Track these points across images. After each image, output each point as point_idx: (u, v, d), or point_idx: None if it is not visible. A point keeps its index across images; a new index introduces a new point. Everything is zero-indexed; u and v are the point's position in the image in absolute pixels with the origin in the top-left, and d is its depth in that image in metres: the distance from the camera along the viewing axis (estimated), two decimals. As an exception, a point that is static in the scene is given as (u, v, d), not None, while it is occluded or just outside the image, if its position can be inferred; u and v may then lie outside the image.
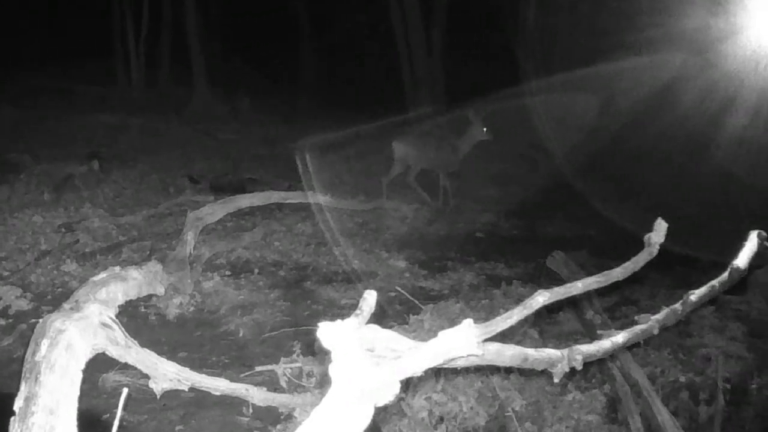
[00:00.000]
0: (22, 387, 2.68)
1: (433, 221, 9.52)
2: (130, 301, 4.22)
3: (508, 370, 4.40)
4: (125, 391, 2.50)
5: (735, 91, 10.04)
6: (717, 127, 10.59)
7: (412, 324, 5.09)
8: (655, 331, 3.31)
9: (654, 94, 12.01)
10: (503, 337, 2.32)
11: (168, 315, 5.94)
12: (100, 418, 4.22)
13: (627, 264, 2.85)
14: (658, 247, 2.92)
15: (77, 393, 2.74)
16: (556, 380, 2.75)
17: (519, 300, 2.83)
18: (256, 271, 7.14)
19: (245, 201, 7.76)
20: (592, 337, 4.30)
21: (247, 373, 4.83)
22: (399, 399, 4.06)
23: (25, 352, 2.89)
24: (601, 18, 12.65)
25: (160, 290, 4.85)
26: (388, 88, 16.93)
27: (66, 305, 3.35)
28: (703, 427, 4.59)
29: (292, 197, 8.54)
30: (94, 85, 17.42)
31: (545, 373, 2.77)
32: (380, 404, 1.81)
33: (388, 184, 9.98)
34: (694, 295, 3.53)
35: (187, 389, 3.66)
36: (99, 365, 4.01)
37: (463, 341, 1.95)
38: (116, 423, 2.41)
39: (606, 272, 2.76)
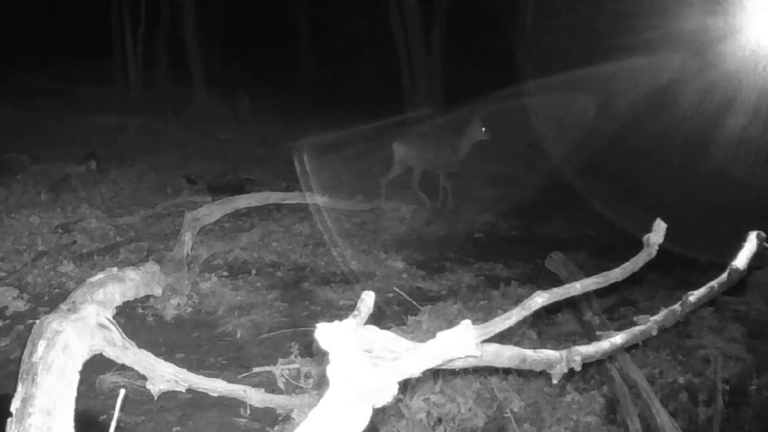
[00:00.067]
0: (19, 388, 2.67)
1: (432, 222, 9.51)
2: (128, 302, 4.19)
3: (507, 371, 4.39)
4: (122, 392, 2.48)
5: (734, 91, 10.05)
6: (716, 127, 10.61)
7: (410, 325, 5.08)
8: (654, 332, 3.30)
9: (653, 94, 12.02)
10: (502, 338, 2.32)
11: (165, 316, 5.93)
12: (97, 419, 4.21)
13: (626, 265, 2.85)
14: (657, 247, 2.91)
15: (74, 394, 2.73)
16: (554, 381, 2.74)
17: (517, 301, 2.81)
18: (254, 271, 7.13)
19: (243, 201, 7.74)
20: (591, 338, 4.29)
21: (244, 374, 4.83)
22: (397, 400, 4.05)
23: (21, 353, 2.87)
24: (600, 19, 12.66)
25: (158, 291, 4.81)
26: (387, 90, 16.94)
27: (63, 306, 3.34)
28: (702, 428, 4.58)
29: (290, 198, 8.52)
30: (92, 85, 17.41)
31: (544, 375, 2.77)
32: (378, 405, 1.81)
33: (386, 184, 9.97)
34: (693, 296, 3.52)
35: (184, 390, 3.64)
36: (96, 366, 3.99)
37: (462, 342, 1.95)
38: (113, 424, 2.41)
39: (605, 273, 2.75)
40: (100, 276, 3.84)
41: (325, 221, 8.15)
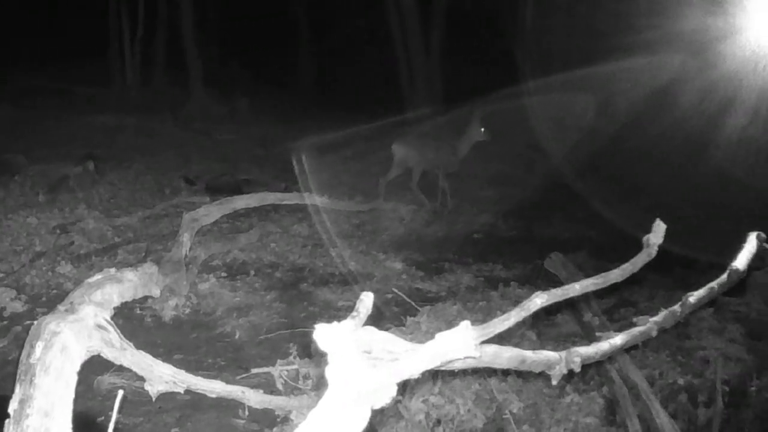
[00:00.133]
0: (17, 389, 2.66)
1: (431, 222, 9.50)
2: (126, 303, 4.18)
3: (506, 373, 4.38)
4: (120, 393, 2.49)
5: (734, 91, 10.05)
6: (716, 127, 10.61)
7: (409, 326, 5.07)
8: (654, 333, 3.29)
9: (653, 94, 12.03)
10: (501, 339, 2.31)
11: (164, 317, 5.92)
12: (95, 420, 4.20)
13: (625, 265, 2.85)
14: (656, 248, 2.91)
15: (72, 395, 2.72)
16: (554, 382, 2.74)
17: (517, 302, 2.81)
18: (252, 272, 7.12)
19: (241, 202, 7.71)
20: (591, 339, 4.28)
21: (243, 376, 4.82)
22: (396, 401, 4.03)
23: (19, 355, 2.86)
24: (600, 19, 12.65)
25: (156, 292, 4.82)
26: (386, 90, 16.93)
27: (61, 307, 3.33)
28: (702, 429, 4.57)
29: (289, 198, 8.51)
30: (91, 85, 17.38)
31: (543, 376, 2.76)
32: (377, 406, 1.82)
33: (385, 185, 9.96)
34: (693, 296, 3.52)
35: (182, 392, 3.63)
36: (94, 367, 4.00)
37: (461, 343, 1.95)
38: (111, 425, 2.41)
39: (604, 274, 2.75)
40: (98, 277, 3.84)
41: (324, 222, 8.15)
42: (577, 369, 2.74)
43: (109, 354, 3.29)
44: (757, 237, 3.87)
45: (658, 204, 9.35)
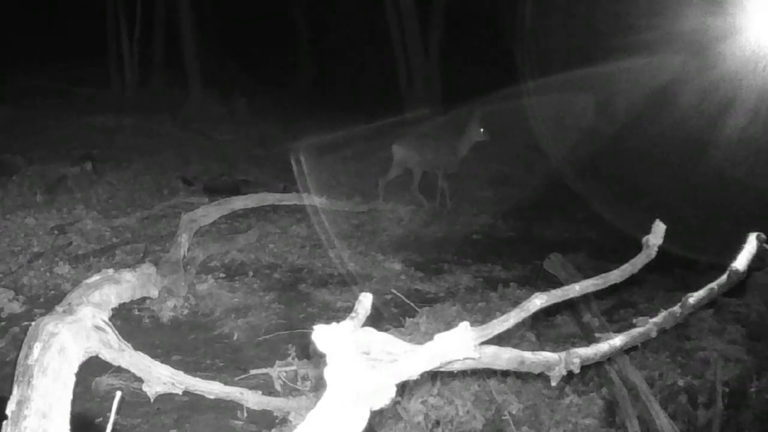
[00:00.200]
0: (15, 390, 2.66)
1: (430, 223, 9.50)
2: (124, 303, 4.19)
3: (505, 374, 4.38)
4: (118, 394, 2.48)
5: (734, 92, 10.05)
6: (716, 128, 10.60)
7: (408, 327, 5.06)
8: (654, 334, 3.29)
9: (653, 95, 12.03)
10: (500, 340, 2.31)
11: (162, 318, 5.90)
12: (93, 421, 4.18)
13: (625, 266, 2.85)
14: (656, 249, 2.91)
15: (70, 396, 2.73)
16: (553, 384, 2.74)
17: (516, 303, 2.80)
18: (251, 273, 7.11)
19: (240, 203, 7.71)
20: (590, 340, 4.28)
21: (241, 377, 4.80)
22: (395, 402, 4.02)
23: (17, 356, 2.87)
24: (599, 19, 12.65)
25: (154, 293, 4.82)
26: (385, 91, 16.93)
27: (59, 308, 3.33)
28: (702, 430, 4.57)
29: (288, 199, 8.50)
30: (89, 85, 17.36)
31: (542, 377, 2.76)
32: (376, 408, 1.82)
33: (384, 185, 9.96)
34: (693, 297, 3.51)
35: (181, 393, 3.62)
36: (92, 368, 3.99)
37: (460, 344, 1.95)
38: (109, 426, 2.40)
39: (604, 274, 2.75)
40: (96, 278, 3.84)
41: (323, 222, 8.14)
42: (577, 370, 2.73)
43: (107, 355, 3.28)
44: (757, 238, 3.86)
45: (658, 204, 9.36)
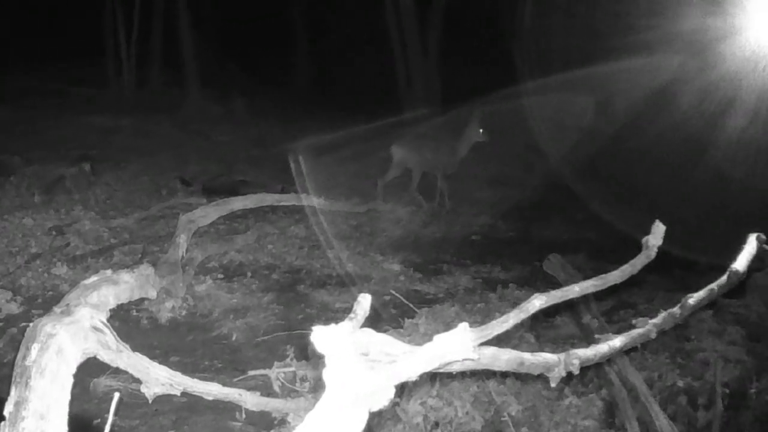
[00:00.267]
0: (13, 392, 2.66)
1: (429, 224, 9.50)
2: (122, 304, 4.19)
3: (504, 375, 4.37)
4: (116, 395, 2.49)
5: (733, 92, 10.03)
6: (715, 128, 10.58)
7: (406, 328, 5.06)
8: (653, 335, 3.28)
9: (652, 95, 12.00)
10: (499, 341, 2.31)
11: (160, 319, 5.91)
12: (91, 422, 4.18)
13: (625, 267, 2.84)
14: (655, 249, 2.91)
15: (68, 397, 2.73)
16: (552, 385, 2.73)
17: (515, 303, 2.80)
18: (249, 274, 7.11)
19: (238, 203, 7.71)
20: (590, 341, 4.26)
21: (240, 378, 4.80)
22: (394, 404, 4.01)
23: (15, 357, 2.87)
24: (599, 19, 12.64)
25: (152, 294, 4.81)
26: (384, 91, 16.91)
27: (57, 309, 3.32)
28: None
29: (286, 200, 8.49)
30: (87, 86, 17.37)
31: (542, 378, 2.75)
32: (375, 409, 1.82)
33: (383, 186, 9.95)
34: (693, 298, 3.50)
35: (179, 394, 3.62)
36: (90, 369, 3.99)
37: (459, 345, 1.95)
38: (108, 428, 2.40)
39: (603, 275, 2.75)
40: (94, 278, 3.83)
41: (321, 223, 8.12)
42: (576, 371, 2.72)
43: (105, 356, 3.28)
44: (757, 238, 3.85)
45: (658, 205, 9.34)
